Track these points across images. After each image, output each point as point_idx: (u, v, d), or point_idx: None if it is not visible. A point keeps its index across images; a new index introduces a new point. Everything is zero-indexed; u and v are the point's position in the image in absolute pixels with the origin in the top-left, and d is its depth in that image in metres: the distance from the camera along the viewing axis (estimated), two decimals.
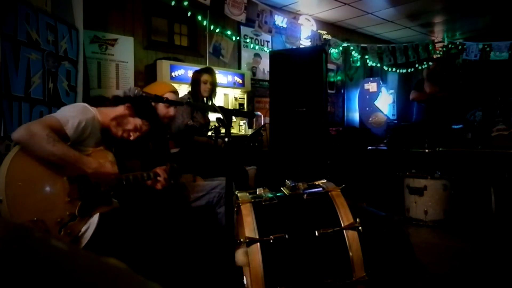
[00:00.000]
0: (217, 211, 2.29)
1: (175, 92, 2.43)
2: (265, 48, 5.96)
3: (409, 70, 8.11)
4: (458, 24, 7.30)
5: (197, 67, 3.45)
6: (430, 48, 7.78)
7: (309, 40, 6.12)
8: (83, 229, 1.57)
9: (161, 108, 2.29)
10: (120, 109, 1.82)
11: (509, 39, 6.91)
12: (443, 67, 5.01)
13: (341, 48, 6.84)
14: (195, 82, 3.24)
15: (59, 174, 1.54)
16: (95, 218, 1.61)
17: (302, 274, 1.52)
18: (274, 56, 4.51)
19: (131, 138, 1.84)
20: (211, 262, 1.98)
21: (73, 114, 1.59)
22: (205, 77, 3.21)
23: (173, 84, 3.97)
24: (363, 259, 1.54)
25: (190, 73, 3.46)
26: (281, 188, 1.83)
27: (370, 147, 4.69)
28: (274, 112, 4.39)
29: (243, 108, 5.22)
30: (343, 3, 5.83)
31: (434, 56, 7.53)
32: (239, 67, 5.60)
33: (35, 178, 1.48)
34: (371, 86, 7.44)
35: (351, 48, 7.03)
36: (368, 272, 1.54)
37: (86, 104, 1.73)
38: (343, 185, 1.76)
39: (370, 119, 7.25)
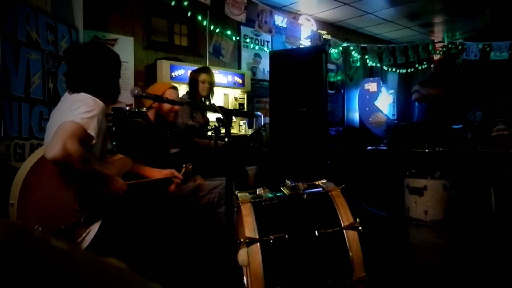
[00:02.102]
0: (217, 211, 2.29)
1: (175, 88, 2.47)
2: (265, 48, 5.96)
3: (409, 70, 8.12)
4: (458, 24, 7.30)
5: (197, 67, 3.45)
6: (430, 48, 7.79)
7: (309, 40, 6.12)
8: (83, 235, 1.58)
9: (166, 104, 2.32)
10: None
11: (509, 39, 6.91)
12: (445, 67, 5.01)
13: (341, 48, 6.84)
14: (193, 82, 3.23)
15: (74, 182, 1.55)
16: (97, 224, 1.61)
17: (302, 274, 1.52)
18: (274, 56, 4.51)
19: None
20: (211, 262, 1.98)
21: (90, 115, 1.57)
22: (203, 76, 3.20)
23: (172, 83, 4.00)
24: (363, 259, 1.54)
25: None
26: (281, 188, 1.82)
27: (370, 147, 4.69)
28: (274, 112, 4.39)
29: (243, 108, 5.22)
30: (343, 3, 5.83)
31: (435, 57, 7.53)
32: (239, 67, 5.60)
33: (50, 186, 1.49)
34: (371, 86, 7.44)
35: (351, 48, 7.03)
36: (368, 272, 1.54)
37: (91, 96, 1.68)
38: (343, 185, 1.76)
39: (370, 119, 7.25)
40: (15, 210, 1.40)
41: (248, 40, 5.78)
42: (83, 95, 1.65)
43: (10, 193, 1.42)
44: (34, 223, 1.43)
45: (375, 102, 7.37)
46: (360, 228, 1.58)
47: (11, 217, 1.41)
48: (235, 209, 1.74)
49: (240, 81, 5.17)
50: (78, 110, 1.58)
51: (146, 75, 4.49)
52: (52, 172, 1.48)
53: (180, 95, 3.37)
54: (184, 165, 2.07)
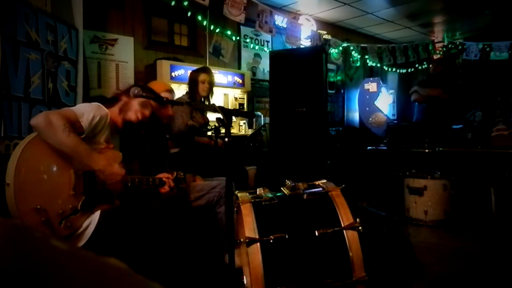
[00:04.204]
0: (217, 210, 2.29)
1: (171, 91, 2.48)
2: (265, 48, 5.96)
3: (409, 70, 8.12)
4: (458, 24, 7.30)
5: (197, 67, 3.44)
6: (430, 48, 7.79)
7: (309, 40, 6.12)
8: (84, 225, 1.59)
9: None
10: (120, 101, 1.91)
11: (509, 39, 6.91)
12: (443, 68, 5.01)
13: (341, 48, 6.84)
14: (193, 82, 3.22)
15: (68, 167, 1.58)
16: (96, 216, 1.62)
17: (302, 274, 1.52)
18: (274, 56, 4.51)
19: (144, 115, 1.93)
20: (211, 262, 1.98)
21: (88, 109, 1.67)
22: (202, 76, 3.19)
23: (172, 84, 4.00)
24: (363, 259, 1.54)
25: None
26: (281, 188, 1.83)
27: (370, 147, 4.69)
28: (274, 112, 4.39)
29: (243, 108, 5.22)
30: (343, 3, 5.83)
31: (435, 57, 7.53)
32: (239, 67, 5.60)
33: (44, 167, 1.52)
34: (371, 86, 7.44)
35: (351, 48, 7.03)
36: (368, 272, 1.54)
37: (99, 104, 1.80)
38: (343, 185, 1.76)
39: (370, 119, 7.25)
40: (12, 189, 1.41)
41: (248, 40, 5.78)
42: (96, 103, 1.80)
43: (6, 173, 1.44)
44: (32, 203, 1.45)
45: (375, 102, 7.37)
46: (360, 228, 1.58)
47: (8, 197, 1.42)
48: (235, 209, 1.74)
49: (240, 81, 5.17)
50: (79, 105, 1.73)
51: (146, 75, 4.48)
52: (45, 153, 1.51)
53: (180, 95, 3.37)
54: (175, 172, 2.08)
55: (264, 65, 5.85)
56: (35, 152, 1.50)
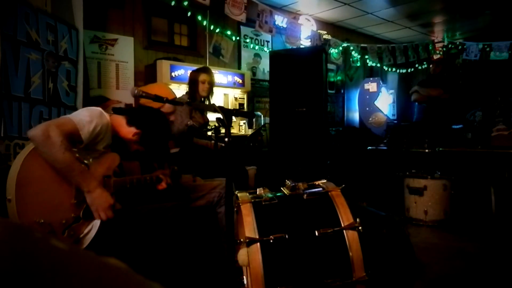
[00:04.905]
0: (217, 211, 2.29)
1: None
2: (265, 48, 5.96)
3: (409, 70, 8.12)
4: (458, 24, 7.30)
5: (197, 67, 3.44)
6: (430, 48, 7.79)
7: (309, 40, 6.12)
8: (85, 231, 1.58)
9: (167, 108, 2.33)
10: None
11: (509, 39, 6.91)
12: (443, 68, 5.02)
13: (341, 48, 6.84)
14: (193, 82, 3.22)
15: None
16: (98, 221, 1.61)
17: (302, 274, 1.52)
18: (274, 56, 4.51)
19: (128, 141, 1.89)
20: (211, 262, 1.98)
21: (89, 119, 1.61)
22: (203, 76, 3.18)
23: (172, 84, 4.00)
24: (363, 259, 1.54)
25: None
26: (281, 188, 1.82)
27: (370, 147, 4.69)
28: (274, 112, 4.40)
29: (243, 108, 5.22)
30: (343, 3, 5.83)
31: (435, 57, 7.53)
32: (239, 67, 5.60)
33: (45, 179, 1.49)
34: (371, 86, 7.44)
35: (351, 48, 7.03)
36: (368, 272, 1.54)
37: (101, 110, 1.75)
38: (343, 185, 1.76)
39: (370, 119, 7.25)
40: (14, 205, 1.40)
41: (248, 40, 5.78)
42: (98, 109, 1.74)
43: (6, 188, 1.42)
44: (35, 217, 1.44)
45: (375, 102, 7.37)
46: (360, 228, 1.58)
47: (10, 213, 1.40)
48: (235, 209, 1.74)
49: (240, 81, 5.17)
50: (80, 112, 1.65)
51: (146, 75, 4.49)
52: (45, 164, 1.48)
53: (180, 95, 3.37)
54: (170, 167, 2.08)
55: (264, 65, 5.85)
56: (35, 164, 1.47)
